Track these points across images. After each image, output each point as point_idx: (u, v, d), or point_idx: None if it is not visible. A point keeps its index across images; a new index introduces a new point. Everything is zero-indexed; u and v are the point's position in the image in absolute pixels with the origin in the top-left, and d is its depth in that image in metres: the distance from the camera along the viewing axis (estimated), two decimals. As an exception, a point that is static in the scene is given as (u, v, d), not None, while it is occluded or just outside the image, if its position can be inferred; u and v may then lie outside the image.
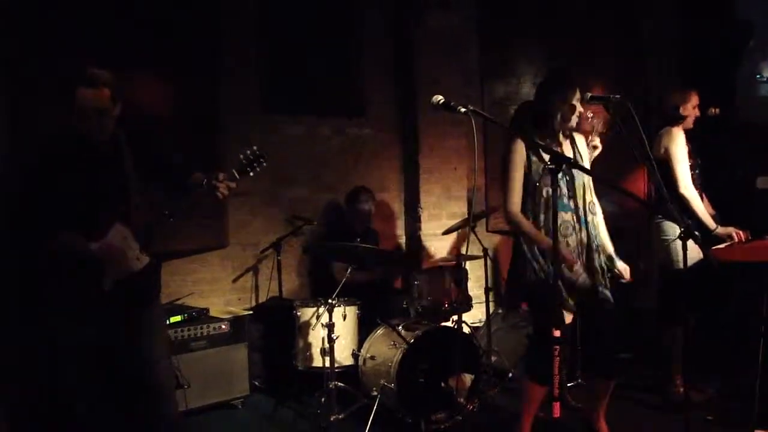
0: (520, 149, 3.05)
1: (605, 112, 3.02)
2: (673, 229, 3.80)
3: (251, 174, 2.94)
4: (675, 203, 3.71)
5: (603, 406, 3.26)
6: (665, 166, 3.82)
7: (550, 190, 2.89)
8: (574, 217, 3.04)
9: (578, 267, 2.99)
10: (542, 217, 3.01)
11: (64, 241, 2.59)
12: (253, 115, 4.76)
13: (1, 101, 3.56)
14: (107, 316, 2.64)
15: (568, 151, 3.12)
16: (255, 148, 2.94)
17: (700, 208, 3.78)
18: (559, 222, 2.97)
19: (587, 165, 3.16)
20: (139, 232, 2.73)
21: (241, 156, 2.92)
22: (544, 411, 3.05)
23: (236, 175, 2.88)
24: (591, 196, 3.11)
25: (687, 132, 3.94)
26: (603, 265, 3.08)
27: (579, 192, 3.06)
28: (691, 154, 3.89)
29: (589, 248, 3.05)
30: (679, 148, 3.83)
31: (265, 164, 2.97)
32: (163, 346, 2.85)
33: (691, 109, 3.91)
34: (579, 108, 3.04)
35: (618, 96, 2.97)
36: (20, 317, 3.52)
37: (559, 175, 2.96)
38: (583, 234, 3.05)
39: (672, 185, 3.78)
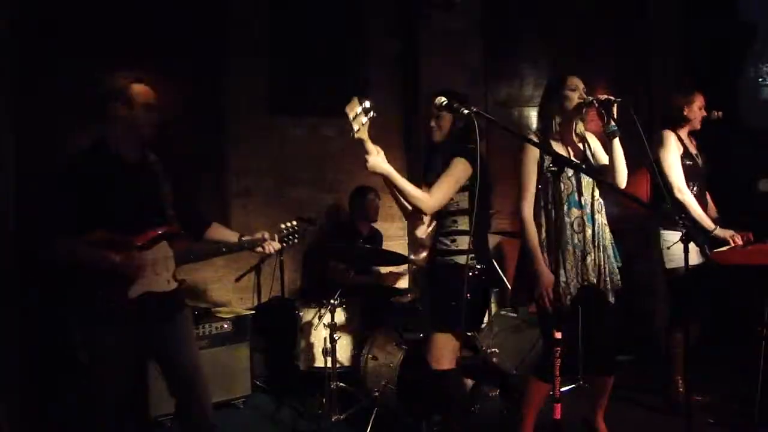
0: (532, 148, 3.07)
1: (597, 118, 3.05)
2: (667, 233, 3.80)
3: (285, 245, 3.14)
4: (675, 206, 3.72)
5: (602, 405, 3.28)
6: (660, 170, 3.82)
7: (563, 186, 3.01)
8: (584, 214, 3.07)
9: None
10: (554, 212, 3.01)
11: (85, 249, 2.58)
12: (257, 116, 4.78)
13: (4, 102, 3.59)
14: (132, 322, 2.64)
15: (575, 150, 3.15)
16: (295, 223, 3.16)
17: (698, 211, 3.77)
18: (572, 218, 3.04)
19: (605, 162, 3.18)
20: (179, 256, 2.78)
21: (282, 226, 3.13)
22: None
23: (277, 240, 3.07)
24: (598, 195, 3.14)
25: (693, 132, 3.94)
26: (606, 263, 3.10)
27: (587, 190, 3.09)
28: (690, 154, 3.88)
29: (596, 246, 3.08)
30: (670, 153, 3.82)
31: (297, 239, 3.18)
32: (193, 352, 2.88)
33: (696, 110, 3.90)
34: (578, 98, 3.06)
35: (620, 99, 2.99)
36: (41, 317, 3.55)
37: (570, 173, 3.00)
38: (590, 231, 3.08)
39: (669, 190, 3.78)
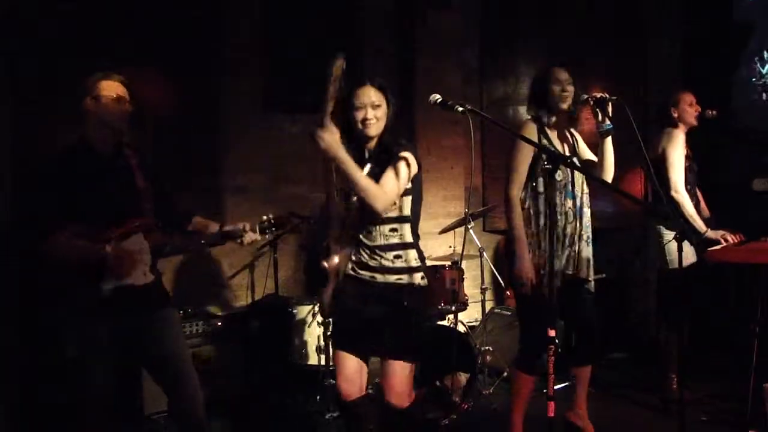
0: (530, 132, 3.08)
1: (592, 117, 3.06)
2: (667, 231, 3.81)
3: (265, 235, 2.99)
4: (669, 204, 3.73)
5: (584, 395, 3.30)
6: (661, 166, 3.82)
7: (559, 175, 2.96)
8: (575, 206, 3.09)
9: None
10: (550, 200, 3.02)
11: (68, 242, 2.58)
12: (253, 114, 4.77)
13: (5, 100, 3.57)
14: (110, 317, 2.64)
15: (567, 144, 3.18)
16: (271, 216, 2.99)
17: (691, 211, 3.78)
18: (566, 208, 3.06)
19: (588, 158, 3.21)
20: (154, 249, 2.76)
21: (264, 217, 2.98)
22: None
23: (258, 231, 2.93)
24: (586, 188, 3.15)
25: (689, 131, 3.96)
26: (589, 256, 3.14)
27: (578, 182, 3.12)
28: (688, 156, 3.90)
29: (579, 238, 3.11)
30: (676, 151, 3.83)
31: (276, 231, 3.03)
32: (180, 346, 2.86)
33: (686, 107, 3.89)
34: (566, 90, 3.06)
35: (615, 97, 3.00)
36: (24, 315, 3.53)
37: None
38: (577, 223, 3.10)
39: (665, 187, 3.79)
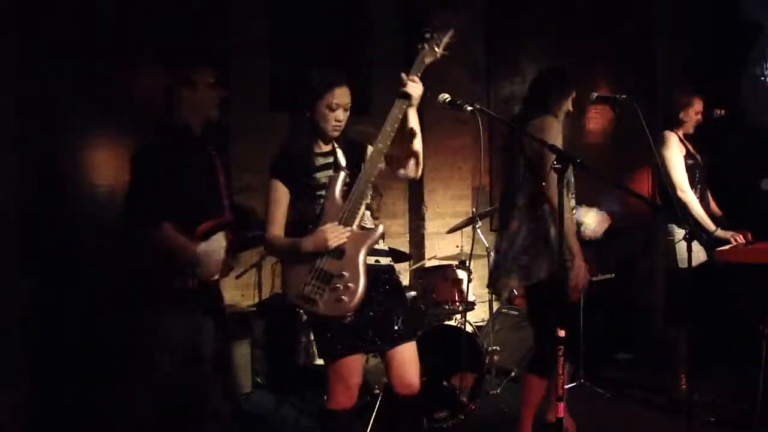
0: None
1: (611, 112, 3.03)
2: (678, 230, 3.80)
3: None
4: (678, 206, 3.72)
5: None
6: (664, 170, 3.83)
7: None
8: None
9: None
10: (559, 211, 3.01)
11: (171, 235, 2.59)
12: (258, 112, 4.77)
13: (7, 100, 3.58)
14: (190, 313, 2.66)
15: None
16: None
17: (699, 211, 3.77)
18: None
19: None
20: (231, 247, 2.77)
21: None
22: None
23: None
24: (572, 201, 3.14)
25: (687, 134, 3.94)
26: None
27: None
28: (691, 154, 3.89)
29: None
30: (672, 153, 3.82)
31: None
32: (213, 346, 2.87)
33: (693, 114, 3.89)
34: (570, 107, 3.07)
35: (624, 96, 2.99)
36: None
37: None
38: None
39: (672, 189, 3.78)
